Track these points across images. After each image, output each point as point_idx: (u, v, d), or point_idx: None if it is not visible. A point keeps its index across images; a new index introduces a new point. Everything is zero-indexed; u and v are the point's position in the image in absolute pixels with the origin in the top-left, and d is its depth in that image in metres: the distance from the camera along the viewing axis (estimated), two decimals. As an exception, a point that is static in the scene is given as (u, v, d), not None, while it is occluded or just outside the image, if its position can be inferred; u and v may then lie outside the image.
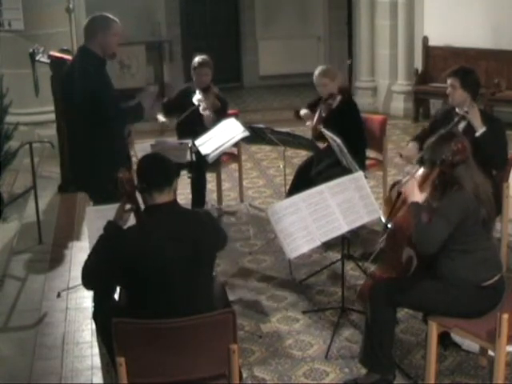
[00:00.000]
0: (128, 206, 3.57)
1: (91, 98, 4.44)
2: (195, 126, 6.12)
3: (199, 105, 6.23)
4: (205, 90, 6.32)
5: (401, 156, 5.44)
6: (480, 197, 3.74)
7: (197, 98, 6.29)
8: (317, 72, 5.98)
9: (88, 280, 3.49)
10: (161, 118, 6.20)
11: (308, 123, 5.98)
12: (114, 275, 3.41)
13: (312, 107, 6.13)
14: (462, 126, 4.92)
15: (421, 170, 3.97)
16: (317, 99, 6.15)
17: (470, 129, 4.84)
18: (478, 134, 4.79)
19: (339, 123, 5.72)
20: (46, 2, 8.87)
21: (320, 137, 5.87)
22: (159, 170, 3.46)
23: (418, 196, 3.79)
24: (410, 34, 9.87)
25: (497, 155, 4.83)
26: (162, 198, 3.42)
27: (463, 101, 4.93)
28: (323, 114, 5.89)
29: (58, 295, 5.22)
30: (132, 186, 3.58)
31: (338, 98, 5.93)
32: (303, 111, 6.14)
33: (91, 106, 4.45)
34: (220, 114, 6.28)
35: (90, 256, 3.54)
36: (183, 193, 6.55)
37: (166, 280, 3.32)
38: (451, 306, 3.75)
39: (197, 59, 6.37)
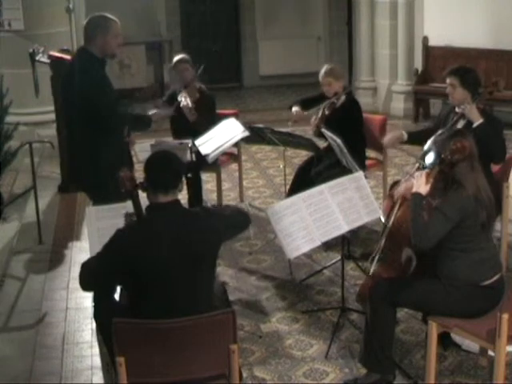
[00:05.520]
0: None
1: (88, 99, 4.44)
2: (182, 122, 6.17)
3: (181, 101, 6.25)
4: (186, 87, 6.35)
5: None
6: (481, 199, 3.73)
7: (180, 94, 6.32)
8: (322, 71, 5.99)
9: (85, 279, 3.46)
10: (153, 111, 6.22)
11: (313, 118, 5.98)
12: (112, 274, 3.41)
13: (308, 104, 6.13)
14: (461, 124, 4.93)
15: (418, 171, 3.97)
16: (316, 96, 6.16)
17: (469, 126, 4.84)
18: (474, 125, 4.81)
19: (341, 122, 5.74)
20: (46, 1, 8.88)
21: (321, 134, 5.88)
22: (167, 172, 3.44)
23: (422, 187, 3.78)
24: (410, 34, 9.86)
25: (495, 145, 4.82)
26: (165, 198, 3.42)
27: (463, 99, 4.93)
28: (326, 112, 5.89)
29: None
30: (133, 185, 3.59)
31: (343, 97, 5.95)
32: (294, 108, 6.16)
33: (88, 107, 4.45)
34: (207, 110, 6.27)
35: (89, 258, 3.54)
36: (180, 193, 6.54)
37: (166, 280, 3.32)
38: (451, 306, 3.76)
39: (175, 58, 6.46)
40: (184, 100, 6.25)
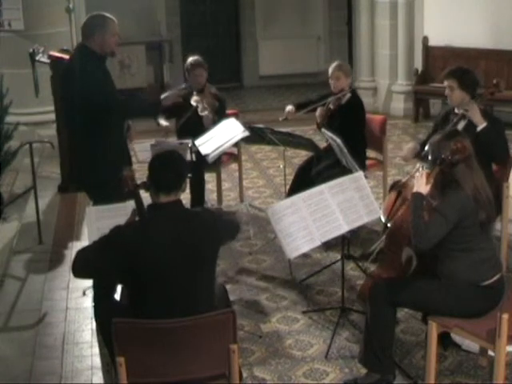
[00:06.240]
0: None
1: (91, 95, 4.44)
2: (195, 127, 6.12)
3: (197, 106, 6.23)
4: (201, 91, 6.33)
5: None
6: (479, 199, 3.74)
7: (194, 99, 6.28)
8: (333, 64, 6.07)
9: (78, 268, 3.46)
10: (163, 122, 6.24)
11: (318, 110, 5.99)
12: (110, 271, 3.40)
13: (303, 105, 6.18)
14: (461, 125, 4.92)
15: (420, 169, 3.97)
16: (312, 99, 6.20)
17: (470, 127, 4.84)
18: (479, 129, 4.80)
19: (344, 119, 5.78)
20: (46, 1, 8.88)
21: (324, 128, 5.90)
22: (170, 173, 3.44)
23: (423, 187, 3.78)
24: (410, 34, 9.87)
25: (498, 148, 4.82)
26: (167, 198, 3.42)
27: (462, 101, 4.92)
28: (331, 107, 5.92)
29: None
30: (135, 185, 3.60)
31: (348, 95, 5.97)
32: (288, 107, 6.19)
33: (91, 104, 4.45)
34: (219, 113, 6.29)
35: (88, 246, 3.54)
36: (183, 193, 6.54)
37: (166, 279, 3.32)
38: (451, 306, 3.76)
39: (189, 61, 6.40)
40: (204, 110, 6.20)
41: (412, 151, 5.21)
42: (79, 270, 3.49)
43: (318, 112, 5.99)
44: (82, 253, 3.47)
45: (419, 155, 5.13)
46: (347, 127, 5.70)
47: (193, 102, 6.25)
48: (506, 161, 5.02)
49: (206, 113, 6.22)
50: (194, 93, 6.32)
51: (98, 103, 4.45)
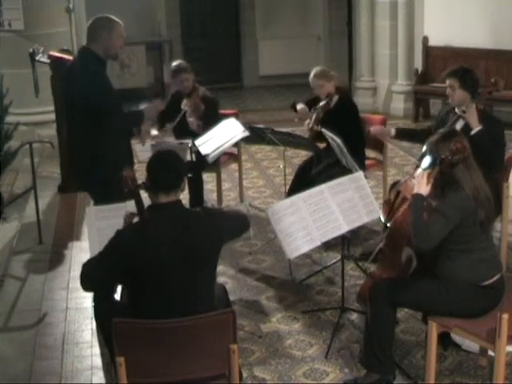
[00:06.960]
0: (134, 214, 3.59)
1: (91, 98, 4.45)
2: (188, 131, 6.15)
3: (186, 111, 6.22)
4: (189, 95, 6.30)
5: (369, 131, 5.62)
6: (479, 198, 3.74)
7: (184, 103, 6.26)
8: (312, 74, 5.97)
9: (86, 279, 3.45)
10: (154, 132, 6.23)
11: (307, 121, 5.97)
12: (113, 274, 3.40)
13: (310, 105, 6.13)
14: (460, 125, 4.92)
15: (420, 170, 3.96)
16: (314, 98, 6.16)
17: (468, 127, 4.83)
18: (472, 133, 4.79)
19: (337, 123, 5.72)
20: (46, 2, 8.90)
21: (317, 137, 5.87)
22: (169, 173, 3.42)
23: (423, 188, 3.77)
24: (410, 34, 9.88)
25: (493, 155, 4.81)
26: (166, 198, 3.41)
27: (463, 100, 4.92)
28: (320, 114, 5.88)
29: None
30: (135, 185, 3.60)
31: (336, 97, 5.93)
32: (300, 106, 6.15)
33: (91, 104, 4.45)
34: (211, 114, 6.25)
35: (92, 258, 3.54)
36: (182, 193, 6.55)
37: (166, 280, 3.32)
38: (451, 306, 3.76)
39: (172, 66, 6.37)
40: (190, 116, 6.19)
41: (383, 130, 5.48)
42: (86, 283, 3.47)
43: (306, 124, 5.93)
44: (87, 267, 3.47)
45: (396, 136, 5.42)
46: (342, 129, 5.61)
47: (182, 107, 6.25)
48: (500, 169, 4.99)
49: (191, 119, 6.22)
50: (185, 96, 6.31)
51: (98, 106, 4.45)
